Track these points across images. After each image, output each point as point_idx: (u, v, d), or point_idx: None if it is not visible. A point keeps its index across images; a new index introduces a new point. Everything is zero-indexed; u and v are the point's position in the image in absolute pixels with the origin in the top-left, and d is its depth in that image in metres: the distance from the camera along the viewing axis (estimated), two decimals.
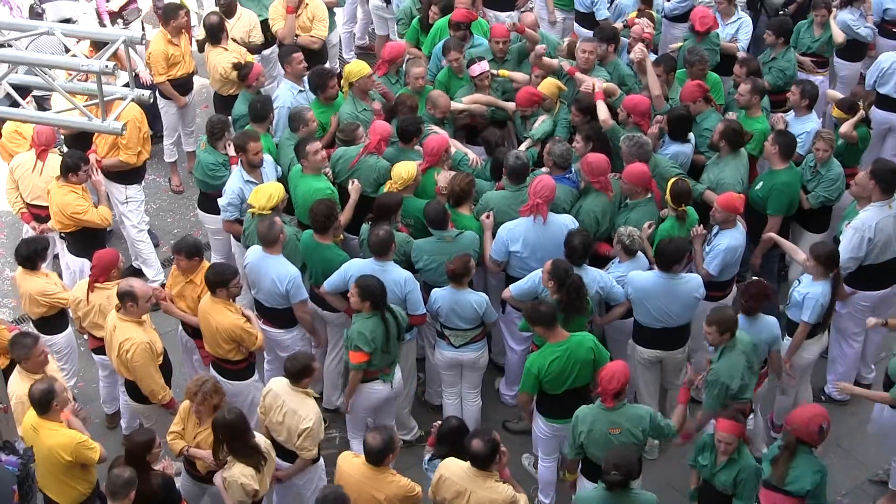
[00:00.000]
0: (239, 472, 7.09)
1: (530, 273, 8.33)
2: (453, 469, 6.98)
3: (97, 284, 8.28)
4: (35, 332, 8.07)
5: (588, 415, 7.30)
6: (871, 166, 8.71)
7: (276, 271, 8.33)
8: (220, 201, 9.23)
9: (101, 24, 11.74)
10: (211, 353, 8.28)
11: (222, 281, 8.03)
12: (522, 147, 9.37)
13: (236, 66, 10.41)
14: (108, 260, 8.32)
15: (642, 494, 6.98)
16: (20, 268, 8.65)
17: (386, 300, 7.92)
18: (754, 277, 8.25)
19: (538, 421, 8.06)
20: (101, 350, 8.53)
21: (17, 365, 7.75)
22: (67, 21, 11.56)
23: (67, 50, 8.59)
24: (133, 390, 8.13)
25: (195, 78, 11.42)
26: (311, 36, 11.25)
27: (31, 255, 8.57)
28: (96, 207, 9.35)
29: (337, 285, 8.34)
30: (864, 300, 8.82)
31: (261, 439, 7.31)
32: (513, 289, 8.39)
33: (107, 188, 10.08)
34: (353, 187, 9.01)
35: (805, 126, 9.75)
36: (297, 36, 11.19)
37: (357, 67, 9.83)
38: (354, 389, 8.12)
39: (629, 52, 10.15)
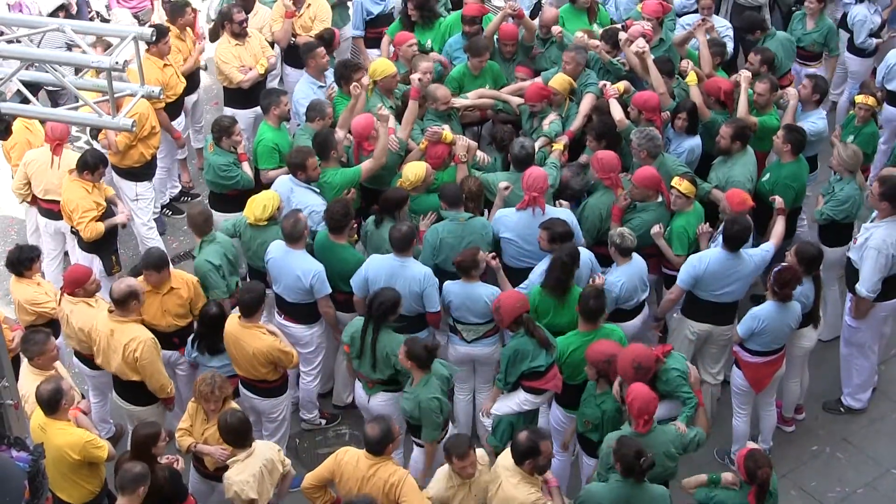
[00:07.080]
0: (235, 475, 7.05)
1: (531, 264, 8.34)
2: (503, 461, 6.91)
3: (65, 296, 8.21)
4: (45, 329, 8.04)
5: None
6: (881, 186, 8.56)
7: (301, 266, 8.32)
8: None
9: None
10: (245, 375, 8.16)
11: (259, 302, 7.94)
12: (538, 144, 9.25)
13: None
14: (78, 276, 8.18)
15: (655, 487, 6.84)
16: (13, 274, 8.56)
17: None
18: (782, 264, 8.22)
19: (556, 412, 8.04)
20: (79, 355, 8.50)
21: (27, 362, 7.72)
22: (61, 7, 11.60)
23: (70, 47, 8.62)
24: (131, 394, 8.06)
25: (204, 74, 11.41)
26: (311, 36, 11.05)
27: (15, 262, 8.45)
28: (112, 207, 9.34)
29: (361, 285, 8.28)
30: (882, 310, 8.84)
31: (271, 450, 7.27)
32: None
33: (117, 185, 10.05)
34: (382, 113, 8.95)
35: (812, 121, 9.67)
36: (296, 36, 11.11)
37: (382, 67, 9.75)
38: (351, 373, 8.28)
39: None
